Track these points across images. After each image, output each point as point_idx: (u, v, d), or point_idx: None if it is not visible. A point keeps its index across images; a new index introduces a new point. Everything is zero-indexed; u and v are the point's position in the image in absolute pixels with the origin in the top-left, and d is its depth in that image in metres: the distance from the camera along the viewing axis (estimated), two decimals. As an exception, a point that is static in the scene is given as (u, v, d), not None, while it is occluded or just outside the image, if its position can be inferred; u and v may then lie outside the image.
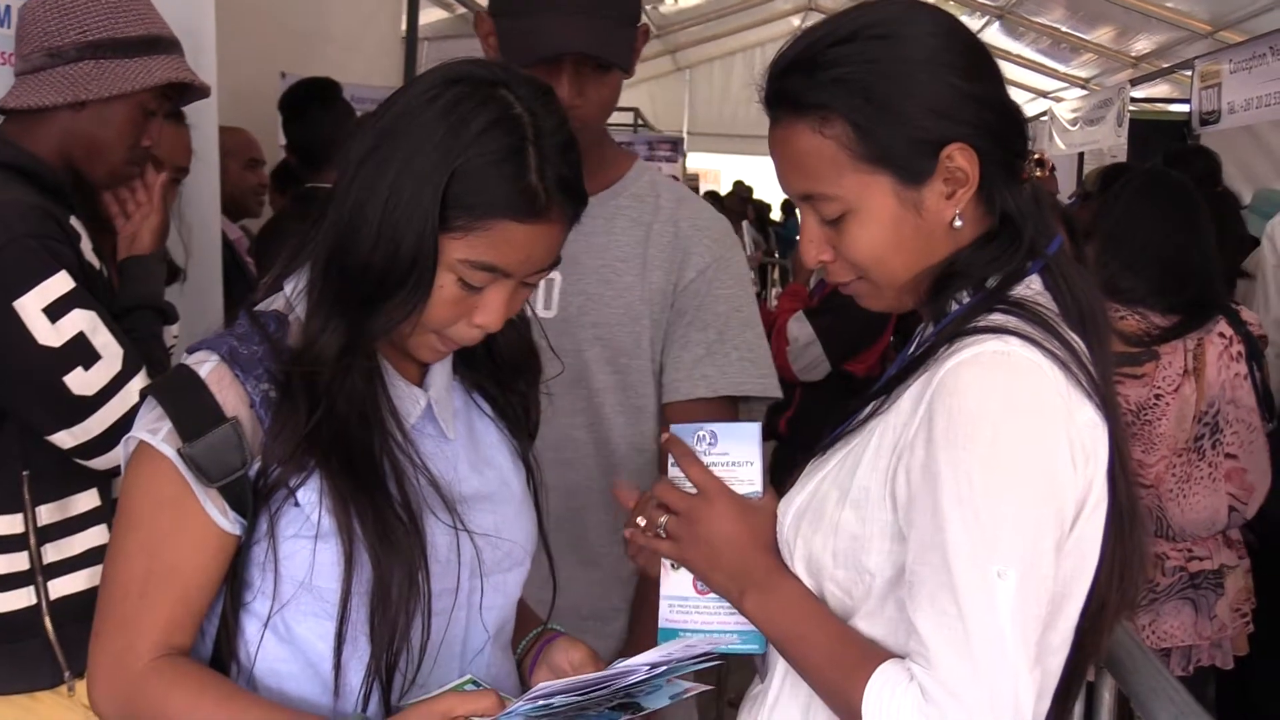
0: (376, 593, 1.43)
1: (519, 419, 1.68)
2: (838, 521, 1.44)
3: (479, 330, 1.48)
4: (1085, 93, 12.39)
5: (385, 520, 1.43)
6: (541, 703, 1.33)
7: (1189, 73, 8.62)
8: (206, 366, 1.45)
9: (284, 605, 1.46)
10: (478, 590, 1.54)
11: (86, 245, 2.26)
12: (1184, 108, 8.93)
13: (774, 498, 1.57)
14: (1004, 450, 1.31)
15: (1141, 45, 11.67)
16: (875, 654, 1.37)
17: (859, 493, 1.43)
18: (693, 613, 1.57)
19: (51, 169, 2.27)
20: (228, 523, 1.44)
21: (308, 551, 1.44)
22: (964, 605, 1.29)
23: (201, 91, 2.46)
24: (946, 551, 1.30)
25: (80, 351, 2.12)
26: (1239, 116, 7.95)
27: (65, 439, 2.14)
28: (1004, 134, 1.45)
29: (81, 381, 2.12)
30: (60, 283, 2.12)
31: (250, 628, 1.49)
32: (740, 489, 1.55)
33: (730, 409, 2.11)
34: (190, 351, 1.49)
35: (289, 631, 1.48)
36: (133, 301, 2.38)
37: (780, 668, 1.53)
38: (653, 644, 1.53)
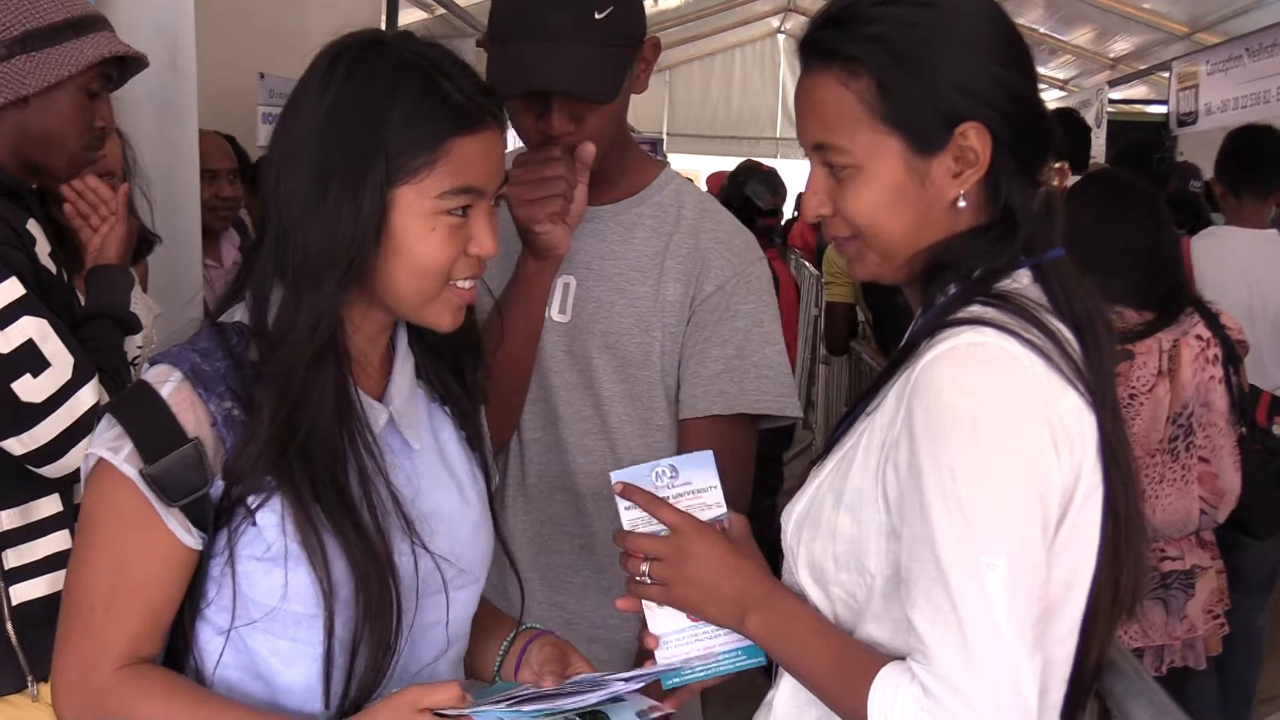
0: (360, 628, 1.43)
1: (477, 418, 1.67)
2: (835, 526, 1.45)
3: (478, 263, 1.50)
4: (1064, 94, 12.44)
5: (360, 547, 1.43)
6: (510, 706, 1.34)
7: (1167, 74, 8.67)
8: (168, 385, 1.43)
9: (249, 623, 1.45)
10: (429, 609, 1.53)
11: (43, 249, 2.25)
12: (1162, 109, 8.98)
13: (742, 519, 1.58)
14: (983, 441, 1.32)
15: (1119, 47, 11.73)
16: (878, 659, 1.38)
17: (853, 495, 1.44)
18: (690, 642, 1.55)
19: (7, 172, 2.26)
20: (191, 539, 1.43)
21: (265, 574, 1.43)
22: (956, 598, 1.30)
23: (139, 63, 2.44)
24: (936, 546, 1.31)
25: (29, 358, 2.11)
26: (1216, 118, 8.00)
27: (14, 446, 2.13)
28: (1024, 128, 1.46)
29: (30, 388, 2.11)
30: (9, 289, 2.11)
31: (204, 634, 1.48)
32: (708, 514, 1.56)
33: (748, 426, 2.08)
34: (152, 363, 1.48)
35: (243, 643, 1.47)
36: (96, 310, 2.38)
37: (788, 675, 1.53)
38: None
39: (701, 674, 1.55)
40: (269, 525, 1.43)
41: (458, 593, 1.57)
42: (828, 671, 1.43)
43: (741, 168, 6.29)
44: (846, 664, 1.41)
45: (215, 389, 1.44)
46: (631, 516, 1.56)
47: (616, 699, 1.44)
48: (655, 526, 1.54)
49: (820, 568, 1.47)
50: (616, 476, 1.57)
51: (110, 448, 1.42)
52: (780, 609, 1.48)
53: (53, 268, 2.28)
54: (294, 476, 1.42)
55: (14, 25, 2.24)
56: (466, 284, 1.50)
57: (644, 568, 1.53)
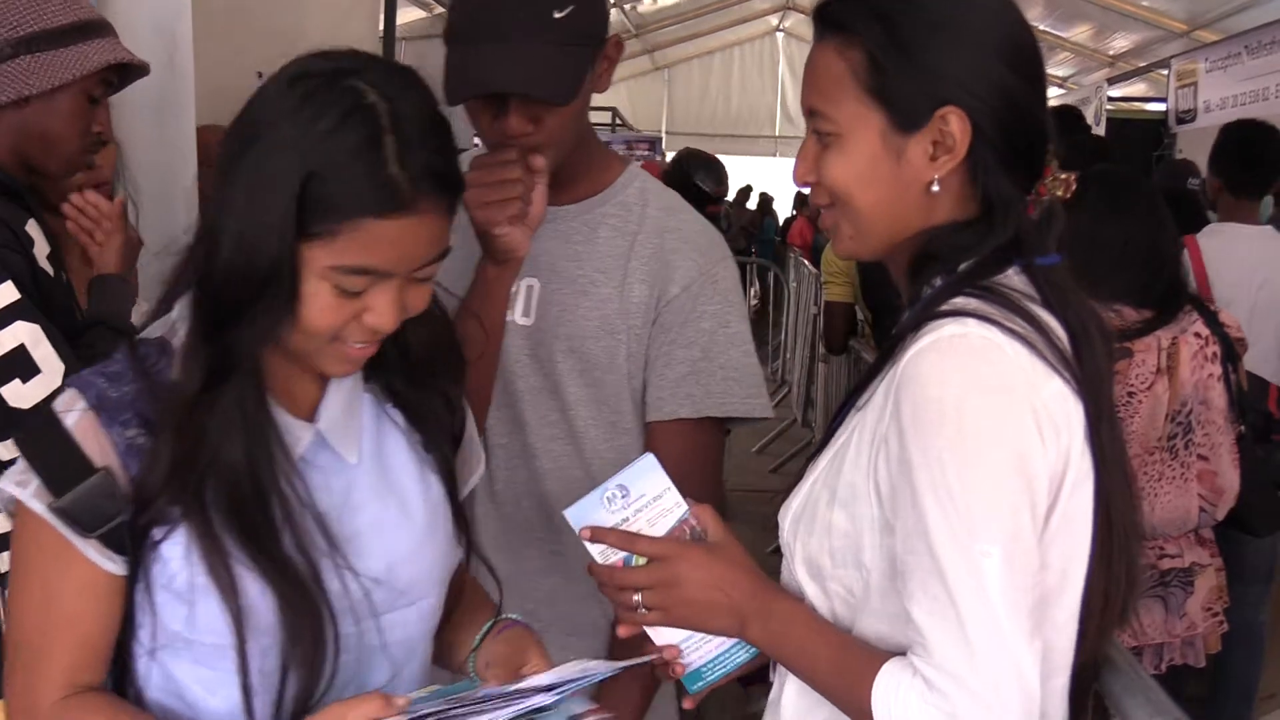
0: (286, 654, 1.39)
1: (438, 425, 1.59)
2: (830, 522, 1.45)
3: (373, 332, 1.41)
4: (1063, 91, 12.44)
5: (278, 573, 1.39)
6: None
7: (1165, 71, 8.67)
8: (72, 415, 1.39)
9: (171, 650, 1.42)
10: (372, 631, 1.47)
11: (42, 250, 2.25)
12: (1160, 106, 8.99)
13: (709, 510, 1.56)
14: (969, 430, 1.32)
15: (1118, 44, 11.76)
16: (877, 655, 1.38)
17: (846, 491, 1.44)
18: (701, 645, 1.55)
19: (7, 173, 2.26)
20: (114, 565, 1.39)
21: (174, 604, 1.40)
22: (953, 589, 1.30)
23: (141, 70, 2.44)
24: (929, 538, 1.31)
25: (19, 363, 2.10)
26: (1214, 115, 8.02)
27: (1, 451, 2.12)
28: (1013, 127, 1.46)
29: (18, 394, 2.10)
30: (5, 293, 2.11)
31: (139, 657, 1.45)
32: (671, 518, 1.54)
33: (716, 429, 2.05)
34: (63, 388, 1.44)
35: (167, 669, 1.44)
36: (94, 319, 2.38)
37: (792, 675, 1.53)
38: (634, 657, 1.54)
39: (722, 671, 1.55)
40: (174, 558, 1.39)
41: (395, 615, 1.50)
42: (828, 669, 1.43)
43: (684, 155, 6.16)
44: (847, 661, 1.41)
45: (119, 417, 1.39)
46: (594, 549, 1.54)
47: (543, 709, 1.38)
48: (624, 553, 1.53)
49: (817, 564, 1.47)
50: (573, 520, 1.54)
51: (17, 482, 1.39)
52: (777, 613, 1.48)
53: (51, 270, 2.28)
54: (203, 504, 1.37)
55: (20, 26, 2.25)
56: (359, 345, 1.42)
57: (635, 598, 1.52)
